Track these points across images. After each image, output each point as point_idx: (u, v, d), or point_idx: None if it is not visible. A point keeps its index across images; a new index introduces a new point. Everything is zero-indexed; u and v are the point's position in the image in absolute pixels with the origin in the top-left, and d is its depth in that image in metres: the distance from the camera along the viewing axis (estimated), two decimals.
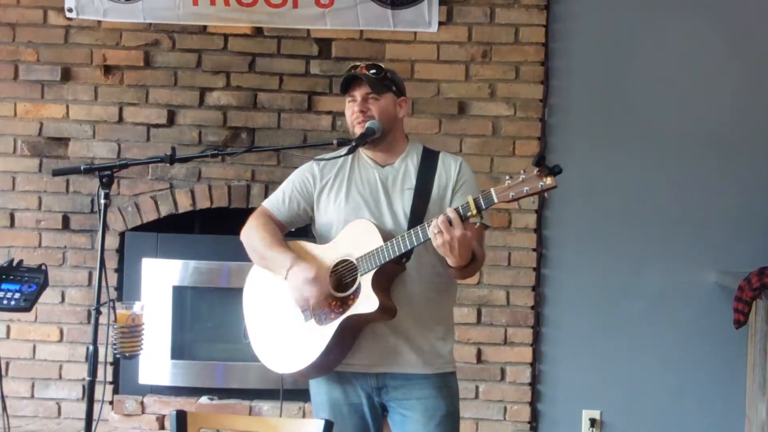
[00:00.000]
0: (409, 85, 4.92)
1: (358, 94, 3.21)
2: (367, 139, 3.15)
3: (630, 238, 5.07)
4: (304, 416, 4.86)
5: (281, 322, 3.23)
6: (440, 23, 5.03)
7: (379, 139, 3.21)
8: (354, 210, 3.20)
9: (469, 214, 2.87)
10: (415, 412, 3.19)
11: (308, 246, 3.27)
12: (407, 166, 3.25)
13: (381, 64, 3.28)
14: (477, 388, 5.03)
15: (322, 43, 5.09)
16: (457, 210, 2.90)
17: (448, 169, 3.24)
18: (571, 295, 5.09)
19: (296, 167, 5.06)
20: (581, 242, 5.10)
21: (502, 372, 5.05)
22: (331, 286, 3.13)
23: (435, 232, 2.90)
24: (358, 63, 3.28)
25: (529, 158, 5.01)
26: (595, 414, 5.04)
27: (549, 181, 2.75)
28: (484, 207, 2.85)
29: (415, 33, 5.06)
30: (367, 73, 3.20)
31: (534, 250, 5.06)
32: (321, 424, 2.92)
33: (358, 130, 3.20)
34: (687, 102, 5.07)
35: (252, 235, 3.28)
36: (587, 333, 5.07)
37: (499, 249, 5.02)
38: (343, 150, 3.24)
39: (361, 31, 5.07)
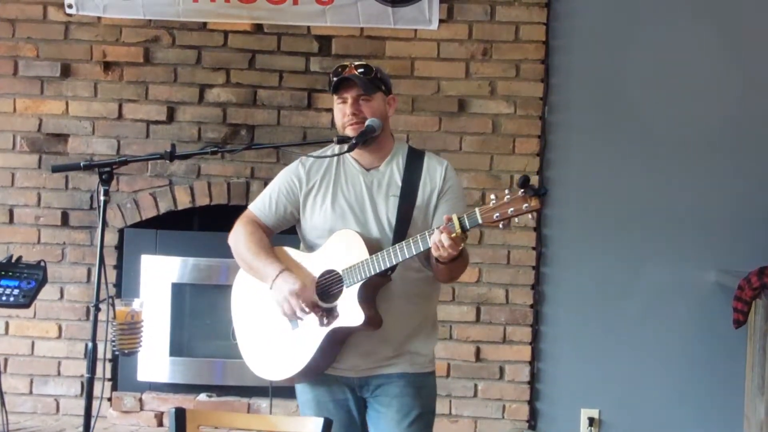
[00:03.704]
0: (409, 83, 4.99)
1: (349, 95, 3.17)
2: (367, 136, 3.12)
3: (629, 237, 5.07)
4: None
5: (268, 329, 3.23)
6: (441, 21, 5.03)
7: (371, 138, 3.17)
8: (340, 217, 3.17)
9: (453, 235, 2.84)
10: (391, 409, 3.19)
11: (294, 254, 3.26)
12: (392, 170, 3.21)
13: (368, 63, 3.24)
14: (476, 386, 5.03)
15: (323, 40, 5.09)
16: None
17: (433, 174, 3.20)
18: (570, 293, 5.09)
19: None
20: (581, 241, 5.09)
21: (501, 370, 5.05)
22: (317, 297, 3.12)
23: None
24: (345, 63, 3.24)
25: (529, 156, 5.02)
26: (594, 413, 5.04)
27: (534, 203, 2.74)
28: (468, 227, 2.84)
29: (416, 30, 5.05)
30: (356, 73, 3.16)
31: (533, 248, 5.06)
32: (320, 422, 2.92)
33: (349, 132, 3.16)
34: (687, 100, 5.07)
35: (239, 242, 3.26)
36: (586, 332, 5.07)
37: (498, 247, 5.02)
38: (335, 148, 3.22)
39: (362, 29, 5.06)
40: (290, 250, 3.28)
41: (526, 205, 2.74)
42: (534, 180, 4.98)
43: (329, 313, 3.09)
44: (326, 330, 3.09)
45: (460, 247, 2.87)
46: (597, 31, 5.10)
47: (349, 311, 3.05)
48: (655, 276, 5.05)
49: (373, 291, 3.08)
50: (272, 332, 3.22)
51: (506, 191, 2.78)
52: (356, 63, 3.21)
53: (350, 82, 3.16)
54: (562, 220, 5.10)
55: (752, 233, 5.00)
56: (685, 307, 5.04)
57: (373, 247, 3.06)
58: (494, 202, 2.79)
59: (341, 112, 3.20)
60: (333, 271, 3.11)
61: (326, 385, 3.23)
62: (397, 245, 2.99)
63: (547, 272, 5.10)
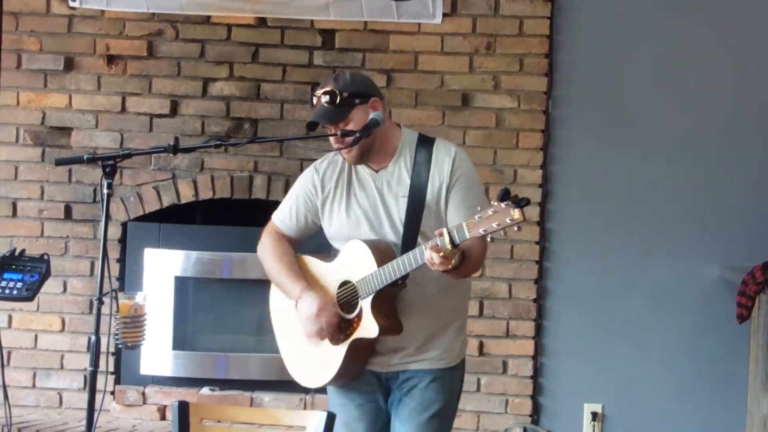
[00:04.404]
0: (413, 77, 4.99)
1: (329, 126, 3.15)
2: (371, 129, 3.11)
3: (633, 232, 5.07)
4: (305, 408, 4.86)
5: (302, 338, 3.27)
6: (444, 15, 5.01)
7: (368, 150, 3.15)
8: (355, 223, 3.18)
9: (442, 253, 2.82)
10: (413, 400, 3.22)
11: (315, 263, 3.30)
12: (401, 168, 3.18)
13: (333, 84, 3.13)
14: (479, 380, 5.02)
15: (326, 34, 5.08)
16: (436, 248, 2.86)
17: (441, 168, 3.16)
18: (573, 288, 5.08)
19: (299, 159, 5.09)
20: (584, 235, 5.09)
21: (504, 365, 5.05)
22: (338, 308, 3.16)
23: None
24: (316, 92, 3.17)
25: (532, 151, 5.01)
26: (597, 407, 5.04)
27: (517, 215, 2.71)
28: (458, 242, 2.82)
29: (419, 24, 5.04)
30: (323, 104, 3.11)
31: (537, 243, 5.05)
32: (323, 415, 2.92)
33: (345, 156, 3.17)
34: (692, 95, 5.06)
35: (264, 256, 3.33)
36: (589, 326, 5.07)
37: (501, 242, 5.01)
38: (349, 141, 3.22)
39: (365, 22, 5.05)
40: (311, 260, 3.32)
41: (509, 218, 2.71)
42: (537, 174, 4.99)
43: (350, 324, 3.13)
44: (347, 342, 3.13)
45: (453, 261, 2.86)
46: (601, 25, 5.09)
47: (365, 323, 3.09)
48: (659, 271, 5.04)
49: (388, 301, 3.10)
50: (305, 341, 3.26)
51: (492, 203, 2.75)
52: (322, 91, 3.14)
53: (313, 125, 3.16)
54: (565, 215, 5.09)
55: (756, 228, 5.00)
56: (689, 302, 5.04)
57: (384, 255, 3.06)
58: (479, 215, 2.76)
59: (330, 140, 3.20)
60: (349, 282, 3.14)
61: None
62: (399, 258, 3.00)
63: (551, 267, 5.09)
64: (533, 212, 5.01)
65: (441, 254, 2.82)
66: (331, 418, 2.92)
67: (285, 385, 4.91)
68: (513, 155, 5.01)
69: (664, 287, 5.04)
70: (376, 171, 3.21)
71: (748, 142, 5.07)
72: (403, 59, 5.02)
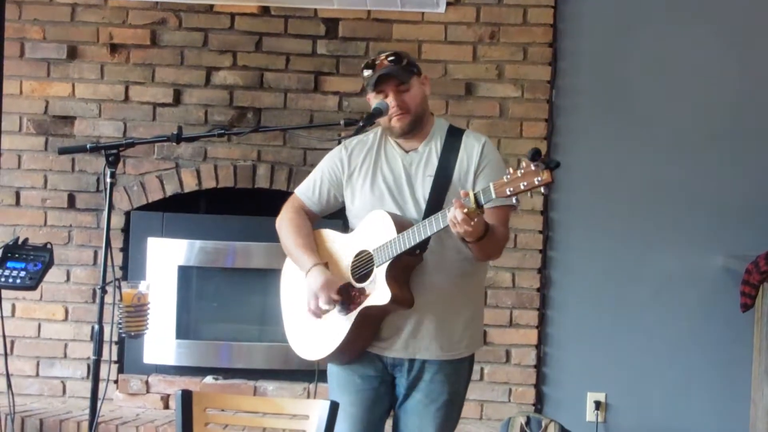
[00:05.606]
0: None
1: (388, 89, 3.19)
2: (374, 119, 3.15)
3: (637, 221, 5.06)
4: (308, 397, 4.87)
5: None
6: (448, 3, 4.99)
7: (419, 122, 3.21)
8: (378, 199, 3.22)
9: (466, 211, 2.84)
10: (419, 392, 3.24)
11: (332, 236, 3.33)
12: (430, 150, 3.24)
13: (395, 51, 3.25)
14: (482, 370, 5.02)
15: (330, 22, 5.07)
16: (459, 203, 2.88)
17: (470, 153, 3.22)
18: (577, 277, 5.08)
19: (302, 148, 5.08)
20: (588, 225, 5.08)
21: (507, 354, 5.05)
22: (352, 278, 3.18)
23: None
24: (375, 57, 3.24)
25: (536, 140, 5.00)
26: (600, 396, 5.04)
27: (545, 176, 2.71)
28: (483, 202, 2.84)
29: (423, 13, 5.02)
30: (388, 64, 3.18)
31: (540, 232, 5.05)
32: (326, 404, 2.92)
33: (395, 123, 3.20)
34: (696, 85, 5.04)
35: (283, 228, 3.36)
36: (593, 316, 5.06)
37: None
38: (378, 131, 3.29)
39: (369, 11, 5.04)
40: (329, 233, 3.35)
41: (538, 178, 2.72)
42: None
43: (361, 293, 3.13)
44: (357, 310, 3.13)
45: (473, 222, 2.86)
46: (605, 15, 5.07)
47: (378, 290, 3.09)
48: (663, 260, 5.04)
49: (403, 270, 3.11)
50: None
51: (520, 165, 2.76)
52: (384, 54, 3.23)
53: (387, 76, 3.17)
54: (569, 204, 5.08)
55: (760, 218, 4.98)
56: (693, 291, 5.03)
57: (404, 226, 3.08)
58: (507, 176, 2.78)
59: (390, 103, 3.22)
60: (365, 251, 3.16)
61: (358, 359, 3.26)
62: (420, 223, 3.02)
63: (554, 256, 5.09)
64: (537, 201, 5.01)
65: (465, 211, 2.83)
66: (334, 408, 2.92)
67: (288, 374, 4.93)
68: (516, 144, 5.00)
69: (668, 276, 5.04)
70: (407, 152, 3.26)
71: (753, 131, 5.06)
72: (407, 48, 4.97)
